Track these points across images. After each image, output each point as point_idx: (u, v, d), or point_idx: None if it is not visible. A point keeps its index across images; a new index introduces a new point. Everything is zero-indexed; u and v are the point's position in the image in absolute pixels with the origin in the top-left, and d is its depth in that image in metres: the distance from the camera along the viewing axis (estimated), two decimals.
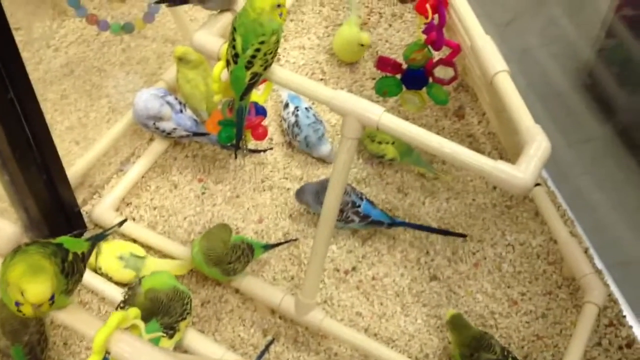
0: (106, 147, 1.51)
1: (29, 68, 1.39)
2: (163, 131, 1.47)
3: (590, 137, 1.66)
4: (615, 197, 1.54)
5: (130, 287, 1.21)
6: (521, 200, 1.50)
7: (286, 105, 1.55)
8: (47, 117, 1.41)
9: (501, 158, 1.52)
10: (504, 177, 1.00)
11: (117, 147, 1.54)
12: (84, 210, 1.43)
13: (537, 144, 1.03)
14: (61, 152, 1.25)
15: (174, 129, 1.46)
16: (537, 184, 1.48)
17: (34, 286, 0.83)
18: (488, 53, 1.17)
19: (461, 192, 1.51)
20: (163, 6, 1.38)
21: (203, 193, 1.49)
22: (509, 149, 1.54)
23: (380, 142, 1.49)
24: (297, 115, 1.52)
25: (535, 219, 1.47)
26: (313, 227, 1.44)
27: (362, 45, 1.63)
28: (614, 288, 1.39)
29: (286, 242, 1.41)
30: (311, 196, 1.40)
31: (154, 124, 1.46)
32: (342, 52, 1.69)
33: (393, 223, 1.41)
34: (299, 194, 1.42)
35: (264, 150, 1.54)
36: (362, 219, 1.39)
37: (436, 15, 1.33)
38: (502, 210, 1.49)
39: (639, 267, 1.47)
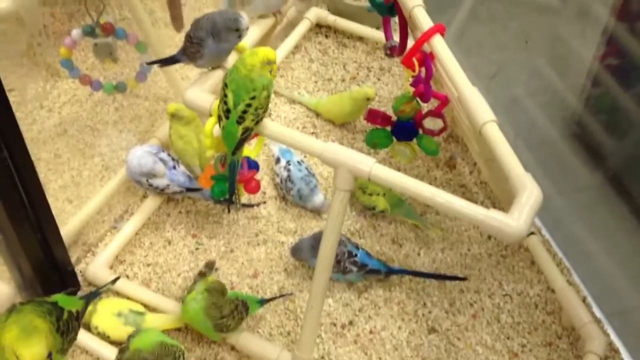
0: (99, 205, 1.51)
1: (22, 128, 1.40)
2: (156, 188, 1.47)
3: (582, 184, 1.67)
4: (610, 245, 1.54)
5: (121, 349, 1.19)
6: (516, 250, 1.50)
7: (278, 160, 1.56)
8: (41, 176, 1.41)
9: (494, 207, 1.53)
10: (497, 225, 1.00)
11: (110, 205, 1.54)
12: (78, 268, 1.42)
13: (529, 192, 1.04)
14: (55, 211, 1.25)
15: (167, 185, 1.47)
16: (532, 233, 1.48)
17: (29, 350, 0.82)
18: (475, 104, 1.19)
19: (456, 242, 1.51)
20: (155, 65, 1.41)
21: (197, 249, 1.48)
22: (501, 198, 1.55)
23: (371, 194, 1.50)
24: (289, 170, 1.53)
25: (531, 268, 1.47)
26: (308, 281, 1.43)
27: (368, 99, 1.63)
28: (614, 337, 1.38)
29: (281, 296, 1.40)
30: (307, 251, 1.40)
31: (147, 180, 1.46)
32: (343, 113, 1.68)
33: (391, 271, 1.40)
34: (295, 251, 1.42)
35: (257, 205, 1.55)
36: (360, 269, 1.38)
37: (423, 68, 1.35)
38: (497, 260, 1.48)
39: (638, 315, 1.47)
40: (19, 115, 1.63)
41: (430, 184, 1.07)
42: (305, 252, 1.40)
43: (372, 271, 1.40)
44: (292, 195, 1.53)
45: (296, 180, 1.52)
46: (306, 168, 1.55)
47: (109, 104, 1.73)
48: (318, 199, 1.52)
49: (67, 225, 1.44)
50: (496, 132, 1.14)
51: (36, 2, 1.23)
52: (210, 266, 1.38)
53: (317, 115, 1.74)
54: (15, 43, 1.44)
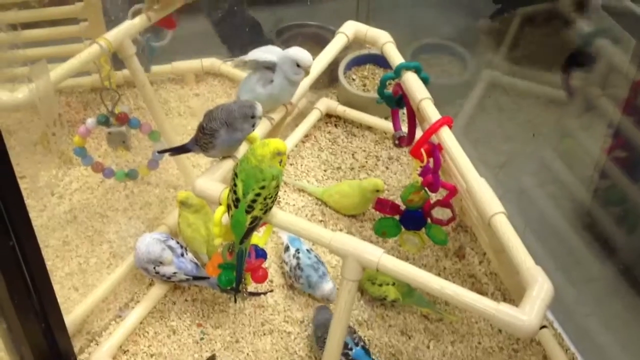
0: (105, 293, 1.49)
1: (32, 215, 1.41)
2: (163, 276, 1.46)
3: (593, 276, 1.65)
4: (624, 338, 1.50)
5: None
6: (528, 343, 1.46)
7: (287, 249, 1.56)
8: (48, 264, 1.40)
9: (504, 299, 1.51)
10: (508, 320, 0.99)
11: (116, 293, 1.52)
12: (81, 358, 1.39)
13: (540, 286, 1.03)
14: (60, 298, 1.24)
15: (174, 273, 1.46)
16: (544, 326, 1.45)
17: None
18: (484, 195, 1.19)
19: (466, 334, 1.48)
20: (167, 154, 1.43)
21: (202, 338, 1.45)
22: (511, 289, 1.53)
23: (380, 284, 1.48)
24: (298, 258, 1.52)
25: None
26: None
27: (378, 190, 1.63)
28: None
29: None
30: (319, 331, 1.38)
31: (154, 268, 1.45)
32: (352, 205, 1.69)
33: None
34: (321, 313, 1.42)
35: (264, 293, 1.53)
36: None
37: (431, 159, 1.36)
38: (509, 354, 1.45)
39: None
40: (29, 202, 1.66)
41: (439, 274, 1.07)
42: (318, 330, 1.40)
43: None
44: (301, 284, 1.51)
45: (305, 268, 1.51)
46: (315, 256, 1.54)
47: (120, 191, 1.74)
48: (327, 286, 1.50)
49: (72, 314, 1.42)
50: (505, 224, 1.14)
51: (52, 93, 1.27)
52: None
53: (327, 203, 1.74)
54: (30, 131, 1.47)
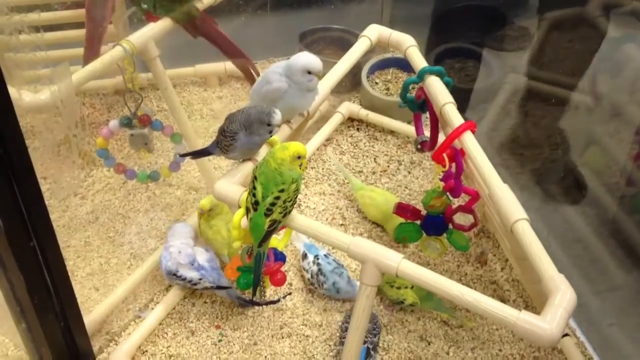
0: (125, 294, 1.50)
1: (54, 216, 1.42)
2: (190, 281, 1.46)
3: (617, 285, 1.62)
4: None
5: None
6: (550, 351, 1.44)
7: (305, 256, 1.55)
8: (69, 264, 1.42)
9: (527, 306, 1.48)
10: (529, 328, 0.97)
11: (136, 293, 1.53)
12: (100, 358, 1.40)
13: (562, 294, 1.01)
14: (81, 298, 1.25)
15: (200, 279, 1.45)
16: (566, 335, 1.43)
17: None
18: (506, 201, 1.17)
19: (487, 341, 1.46)
20: (188, 157, 1.43)
21: (220, 340, 1.45)
22: (534, 296, 1.50)
23: (399, 287, 1.47)
24: (318, 264, 1.51)
25: None
26: None
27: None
28: None
29: None
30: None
31: (179, 274, 1.45)
32: (379, 217, 1.66)
33: None
34: None
35: (283, 297, 1.52)
36: None
37: (453, 164, 1.35)
38: None
39: None
40: (52, 203, 1.67)
41: (460, 279, 1.05)
42: None
43: None
44: (326, 289, 1.50)
45: (328, 274, 1.50)
46: (334, 260, 1.54)
47: (141, 193, 1.75)
48: (357, 287, 1.49)
49: (92, 314, 1.43)
50: (528, 230, 1.12)
51: (73, 94, 1.28)
52: None
53: (347, 206, 1.73)
54: (54, 132, 1.48)
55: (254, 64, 1.59)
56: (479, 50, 2.10)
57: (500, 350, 1.45)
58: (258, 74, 1.63)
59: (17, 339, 1.26)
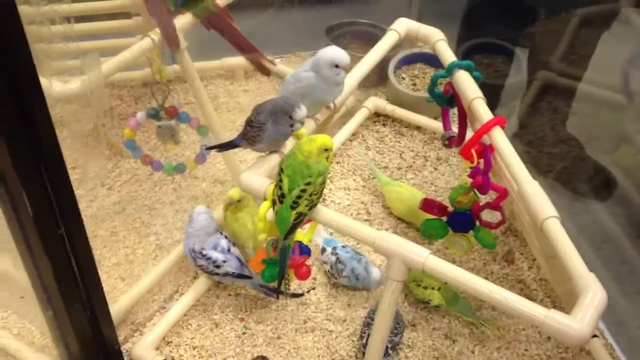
0: (151, 284, 1.51)
1: (82, 205, 1.42)
2: (214, 262, 1.45)
3: None
4: None
5: None
6: (577, 352, 1.42)
7: (323, 250, 1.55)
8: (96, 254, 1.43)
9: (554, 306, 1.46)
10: (558, 327, 0.95)
11: (161, 284, 1.54)
12: (124, 348, 1.41)
13: (593, 293, 0.99)
14: (106, 288, 1.25)
15: (224, 261, 1.45)
16: (594, 336, 1.41)
17: None
18: (536, 198, 1.16)
19: (512, 341, 1.44)
20: (214, 150, 1.43)
21: (244, 333, 1.45)
22: (562, 297, 1.48)
23: (425, 287, 1.46)
24: (336, 254, 1.51)
25: None
26: None
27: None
28: None
29: None
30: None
31: (202, 252, 1.44)
32: (405, 213, 1.65)
33: None
34: None
35: (308, 291, 1.52)
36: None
37: (482, 160, 1.33)
38: None
39: None
40: (80, 192, 1.68)
41: (486, 278, 1.04)
42: None
43: None
44: (346, 276, 1.50)
45: (346, 261, 1.50)
46: (352, 249, 1.54)
47: (167, 184, 1.76)
48: (375, 273, 1.49)
49: (118, 303, 1.44)
50: (558, 228, 1.11)
51: (102, 85, 1.28)
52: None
53: (372, 202, 1.72)
54: (82, 123, 1.49)
55: (265, 56, 1.58)
56: (508, 45, 2.07)
57: (526, 350, 1.43)
58: (273, 63, 1.62)
59: (43, 327, 1.27)
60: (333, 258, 1.52)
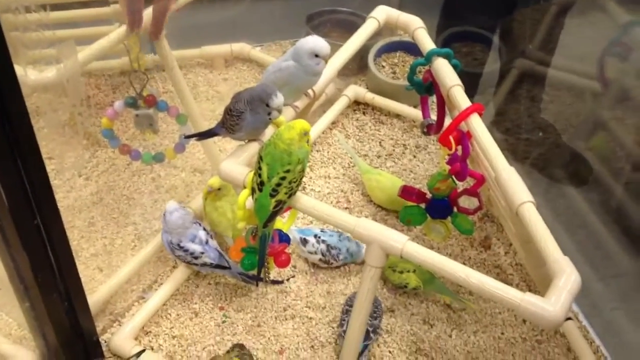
0: (129, 274, 1.50)
1: (59, 196, 1.42)
2: (192, 253, 1.45)
3: (621, 270, 1.62)
4: None
5: None
6: (552, 335, 1.44)
7: (304, 242, 1.54)
8: (73, 244, 1.42)
9: (530, 290, 1.48)
10: (533, 309, 0.97)
11: (140, 274, 1.53)
12: (103, 338, 1.40)
13: (567, 276, 1.01)
14: (84, 279, 1.25)
15: (202, 252, 1.45)
16: (569, 318, 1.43)
17: None
18: (513, 184, 1.17)
19: (489, 325, 1.46)
20: (193, 139, 1.43)
21: (224, 322, 1.46)
22: (537, 281, 1.50)
23: (402, 272, 1.47)
24: (323, 241, 1.52)
25: (567, 355, 1.41)
26: (336, 359, 1.39)
27: None
28: None
29: None
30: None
31: (180, 244, 1.44)
32: (385, 201, 1.66)
33: None
34: None
35: (287, 279, 1.52)
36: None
37: (460, 147, 1.34)
38: (532, 345, 1.43)
39: None
40: (56, 182, 1.67)
41: (464, 263, 1.05)
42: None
43: None
44: (343, 259, 1.54)
45: (339, 245, 1.53)
46: (332, 231, 1.56)
47: (146, 174, 1.75)
48: (363, 244, 1.52)
49: (96, 294, 1.44)
50: (533, 213, 1.12)
51: (79, 73, 1.27)
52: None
53: (352, 190, 1.73)
54: (59, 113, 1.48)
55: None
56: (486, 34, 2.09)
57: (502, 333, 1.45)
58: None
59: (20, 319, 1.27)
60: (323, 246, 1.52)
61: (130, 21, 1.37)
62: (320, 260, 1.54)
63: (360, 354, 1.34)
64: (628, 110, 1.77)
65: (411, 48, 2.02)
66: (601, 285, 1.56)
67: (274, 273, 1.53)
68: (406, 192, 1.50)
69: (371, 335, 1.38)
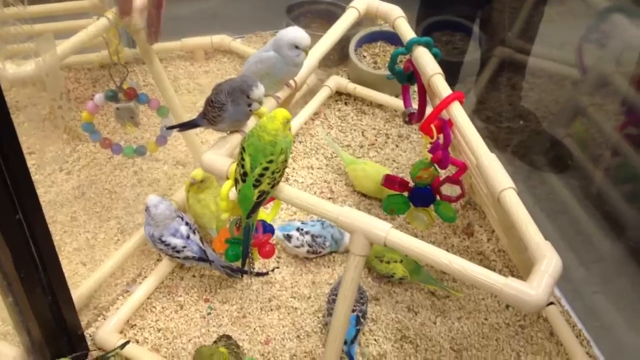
0: (113, 268, 1.50)
1: (40, 191, 1.40)
2: (174, 248, 1.45)
3: (602, 255, 1.64)
4: (631, 316, 1.50)
5: None
6: (535, 320, 1.46)
7: (288, 238, 1.54)
8: (56, 239, 1.41)
9: (512, 276, 1.49)
10: (515, 294, 0.98)
11: (124, 268, 1.53)
12: (88, 332, 1.40)
13: (548, 261, 1.02)
14: (68, 273, 1.24)
15: (184, 247, 1.45)
16: (551, 303, 1.45)
17: None
18: (494, 171, 1.18)
19: (473, 311, 1.47)
20: (175, 130, 1.42)
21: (209, 313, 1.46)
22: (520, 266, 1.52)
23: (388, 262, 1.48)
24: (307, 232, 1.52)
25: (550, 339, 1.43)
26: (321, 348, 1.39)
27: None
28: None
29: None
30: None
31: (162, 238, 1.43)
32: (372, 189, 1.67)
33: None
34: None
35: (272, 270, 1.53)
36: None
37: (441, 135, 1.35)
38: (516, 330, 1.44)
39: None
40: (37, 177, 1.66)
41: (447, 251, 1.06)
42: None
43: None
44: (329, 245, 1.55)
45: (322, 232, 1.54)
46: (314, 221, 1.57)
47: (128, 168, 1.74)
48: (345, 233, 1.53)
49: (80, 288, 1.43)
50: (515, 199, 1.13)
51: (58, 67, 1.26)
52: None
53: (335, 180, 1.73)
54: (38, 107, 1.47)
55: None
56: (466, 23, 2.09)
57: (486, 319, 1.46)
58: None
59: (4, 314, 1.26)
60: (307, 237, 1.53)
61: (121, 7, 1.36)
62: (308, 252, 1.54)
63: (354, 339, 1.35)
64: (607, 96, 1.79)
65: (392, 38, 2.03)
66: (582, 269, 1.58)
67: (259, 264, 1.53)
68: (389, 181, 1.51)
69: (361, 320, 1.39)
